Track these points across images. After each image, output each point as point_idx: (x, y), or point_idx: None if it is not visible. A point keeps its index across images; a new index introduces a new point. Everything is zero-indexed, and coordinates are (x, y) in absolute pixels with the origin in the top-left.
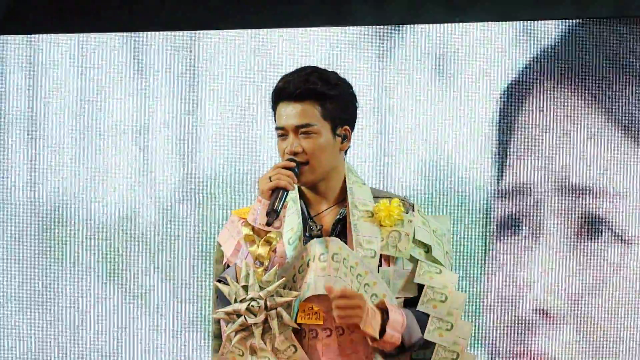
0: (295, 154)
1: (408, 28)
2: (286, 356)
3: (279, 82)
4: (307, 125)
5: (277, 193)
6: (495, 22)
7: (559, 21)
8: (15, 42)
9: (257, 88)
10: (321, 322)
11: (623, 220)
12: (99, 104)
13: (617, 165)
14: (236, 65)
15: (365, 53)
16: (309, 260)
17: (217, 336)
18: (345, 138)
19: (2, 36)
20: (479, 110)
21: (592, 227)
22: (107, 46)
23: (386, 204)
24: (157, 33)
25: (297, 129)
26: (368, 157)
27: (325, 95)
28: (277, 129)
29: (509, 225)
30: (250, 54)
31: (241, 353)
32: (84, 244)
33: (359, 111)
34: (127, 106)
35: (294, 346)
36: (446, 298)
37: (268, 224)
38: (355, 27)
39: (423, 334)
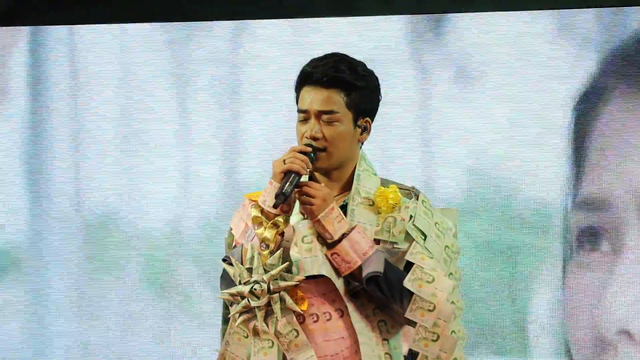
0: (315, 139)
1: (462, 17)
2: (288, 340)
3: (306, 65)
4: (330, 112)
5: (288, 176)
6: (573, 14)
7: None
8: (57, 33)
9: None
10: (305, 308)
11: None
12: (141, 107)
13: None
14: (281, 63)
15: (413, 45)
16: (296, 241)
17: (226, 321)
18: (365, 130)
19: (43, 27)
20: (553, 117)
21: None
22: (149, 37)
23: (381, 188)
24: (198, 23)
25: (319, 114)
26: (423, 161)
27: (352, 85)
28: (300, 111)
29: (589, 239)
30: (295, 47)
31: (246, 335)
32: (129, 251)
33: (407, 109)
34: (169, 110)
35: (296, 330)
36: (433, 280)
37: (275, 206)
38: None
39: (390, 278)
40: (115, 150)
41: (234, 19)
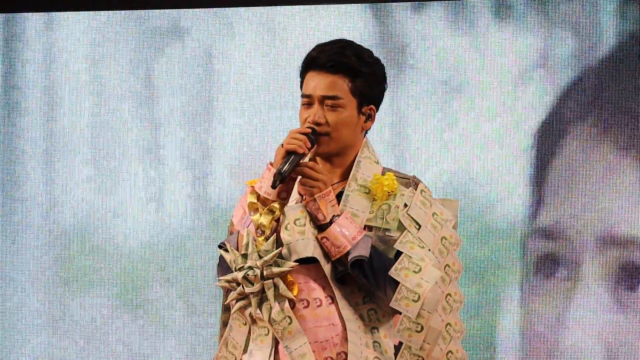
0: (317, 124)
1: (429, 42)
2: (282, 327)
3: (312, 50)
4: (334, 97)
5: (287, 157)
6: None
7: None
8: (33, 21)
9: (273, 103)
10: (295, 293)
11: None
12: (113, 117)
13: None
14: (254, 64)
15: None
16: (287, 224)
17: (227, 309)
18: (370, 117)
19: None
20: (513, 141)
21: (631, 276)
22: (122, 24)
23: (378, 175)
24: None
25: (323, 99)
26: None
27: (357, 71)
28: (304, 96)
29: (546, 264)
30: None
31: (244, 322)
32: (100, 267)
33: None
34: (141, 122)
35: (289, 317)
36: (420, 269)
37: (273, 186)
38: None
39: (375, 264)
40: (88, 164)
41: (207, 7)
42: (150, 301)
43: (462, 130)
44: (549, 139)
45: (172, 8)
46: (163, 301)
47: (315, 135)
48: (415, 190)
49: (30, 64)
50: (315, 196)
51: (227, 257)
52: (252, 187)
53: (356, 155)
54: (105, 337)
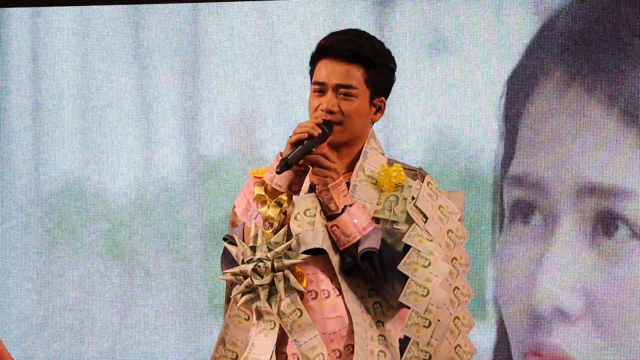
0: (331, 112)
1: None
2: (291, 320)
3: (324, 39)
4: (349, 86)
5: (296, 146)
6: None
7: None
8: (19, 15)
9: (261, 63)
10: (304, 284)
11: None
12: (102, 82)
13: (633, 162)
14: (239, 40)
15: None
16: (297, 214)
17: (229, 300)
18: (379, 109)
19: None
20: (485, 89)
21: (608, 223)
22: (110, 19)
23: (385, 166)
24: (159, 5)
25: (337, 88)
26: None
27: (371, 62)
28: (316, 83)
29: (521, 211)
30: (254, 27)
31: (247, 317)
32: (90, 224)
33: None
34: (130, 85)
35: (300, 310)
36: (429, 264)
37: (278, 172)
38: None
39: (384, 257)
40: (76, 125)
41: (197, 1)
42: (139, 258)
43: (433, 83)
44: (520, 87)
45: (165, 3)
46: (151, 258)
47: (329, 126)
48: (422, 182)
49: (17, 35)
50: (329, 185)
51: (233, 250)
52: (257, 177)
53: (362, 146)
54: (93, 295)
